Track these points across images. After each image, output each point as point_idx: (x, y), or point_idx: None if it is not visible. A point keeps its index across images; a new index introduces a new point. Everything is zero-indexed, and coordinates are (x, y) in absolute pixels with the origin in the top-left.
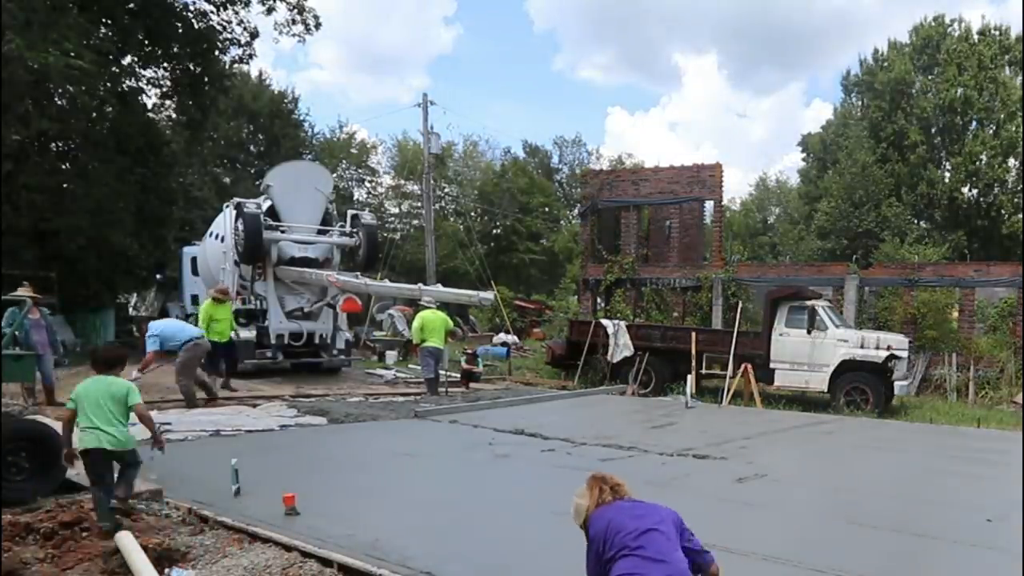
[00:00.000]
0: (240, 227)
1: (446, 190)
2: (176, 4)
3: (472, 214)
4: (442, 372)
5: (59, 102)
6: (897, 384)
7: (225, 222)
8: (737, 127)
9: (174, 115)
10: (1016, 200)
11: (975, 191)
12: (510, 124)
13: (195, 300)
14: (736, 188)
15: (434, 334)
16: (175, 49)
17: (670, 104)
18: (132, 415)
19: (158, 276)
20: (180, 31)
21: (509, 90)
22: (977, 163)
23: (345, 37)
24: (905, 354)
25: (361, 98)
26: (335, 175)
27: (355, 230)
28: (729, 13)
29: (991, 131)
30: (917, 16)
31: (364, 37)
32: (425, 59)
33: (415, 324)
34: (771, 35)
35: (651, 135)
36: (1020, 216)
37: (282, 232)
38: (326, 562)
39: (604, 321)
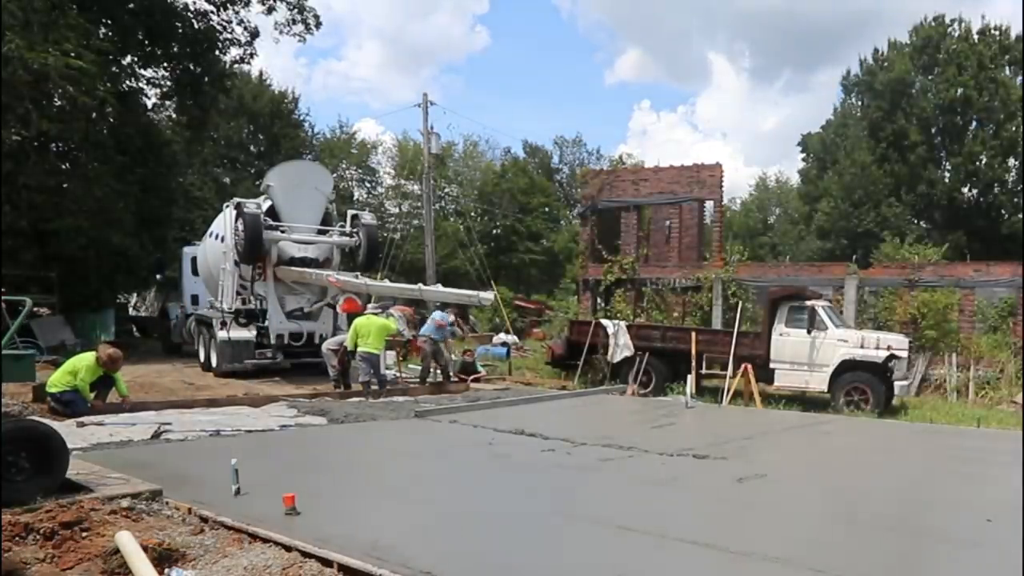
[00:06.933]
0: (240, 227)
1: (446, 190)
2: (176, 4)
3: (472, 214)
4: (390, 374)
5: (59, 102)
6: (897, 384)
7: (225, 222)
8: (761, 124)
9: (174, 115)
10: (1016, 200)
11: (975, 191)
12: (529, 123)
13: (195, 300)
14: (743, 187)
15: (368, 339)
16: (175, 49)
17: (698, 101)
18: None
19: (158, 276)
20: (180, 31)
21: (529, 89)
22: (977, 163)
23: (373, 33)
24: (905, 354)
25: (395, 95)
26: (335, 175)
27: (355, 230)
28: (760, 9)
29: (991, 131)
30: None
31: (395, 33)
32: (454, 58)
33: (350, 330)
34: (803, 31)
35: (676, 133)
36: (1020, 216)
37: (282, 232)
38: (326, 562)
39: (604, 321)
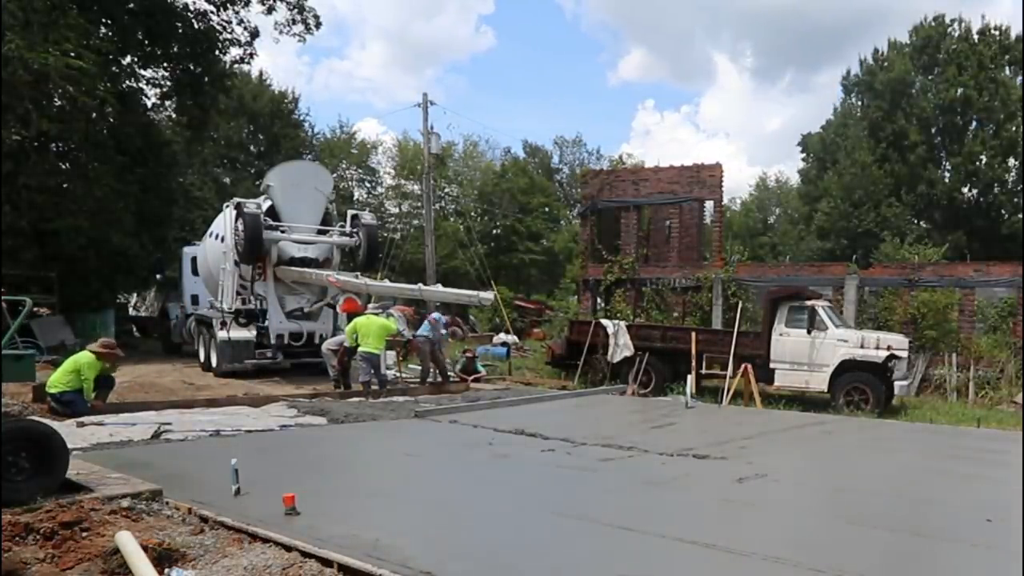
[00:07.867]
0: (240, 227)
1: (446, 190)
2: (176, 4)
3: (472, 214)
4: (390, 374)
5: (59, 102)
6: (897, 384)
7: (225, 222)
8: (765, 125)
9: (174, 115)
10: (1016, 200)
11: (975, 191)
12: (532, 123)
13: (195, 300)
14: (746, 187)
15: (368, 339)
16: (175, 49)
17: (702, 102)
18: None
19: (158, 276)
20: (180, 31)
21: (532, 90)
22: (977, 163)
23: (378, 33)
24: (905, 354)
25: (399, 95)
26: (335, 175)
27: (355, 230)
28: (764, 9)
29: (991, 131)
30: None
31: (400, 33)
32: (458, 58)
33: (347, 329)
34: (806, 31)
35: (680, 133)
36: (1020, 216)
37: (282, 232)
38: (326, 562)
39: (604, 321)
